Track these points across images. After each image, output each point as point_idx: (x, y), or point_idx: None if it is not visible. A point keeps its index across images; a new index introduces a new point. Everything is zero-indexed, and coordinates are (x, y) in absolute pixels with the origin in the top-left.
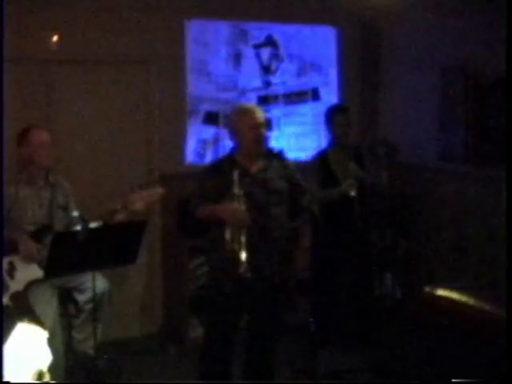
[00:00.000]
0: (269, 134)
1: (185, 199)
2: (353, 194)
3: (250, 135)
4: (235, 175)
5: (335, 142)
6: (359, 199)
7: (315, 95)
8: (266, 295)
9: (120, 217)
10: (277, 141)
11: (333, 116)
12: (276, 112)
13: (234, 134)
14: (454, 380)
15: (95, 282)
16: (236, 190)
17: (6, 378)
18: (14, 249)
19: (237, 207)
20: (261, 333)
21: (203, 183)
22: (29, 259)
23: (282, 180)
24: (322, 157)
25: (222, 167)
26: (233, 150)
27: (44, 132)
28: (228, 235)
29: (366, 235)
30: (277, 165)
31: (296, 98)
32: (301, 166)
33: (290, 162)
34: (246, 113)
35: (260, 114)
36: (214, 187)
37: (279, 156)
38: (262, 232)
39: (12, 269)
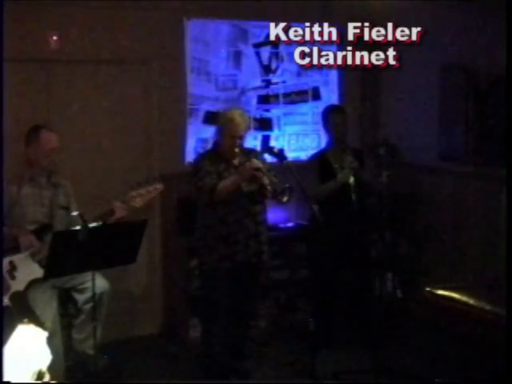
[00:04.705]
0: (268, 133)
1: (185, 198)
2: (351, 180)
3: (228, 143)
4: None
5: (333, 142)
6: (357, 198)
7: (315, 94)
8: (250, 271)
9: (119, 214)
10: (277, 140)
11: (329, 116)
12: (276, 111)
13: (218, 133)
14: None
15: (95, 282)
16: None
17: (6, 378)
18: (14, 247)
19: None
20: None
21: (204, 168)
22: (30, 252)
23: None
24: (320, 156)
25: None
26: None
27: (54, 135)
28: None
29: (366, 234)
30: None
31: (296, 97)
32: (301, 165)
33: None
34: (231, 123)
35: (241, 127)
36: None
37: (254, 153)
38: (249, 215)
39: (13, 269)
